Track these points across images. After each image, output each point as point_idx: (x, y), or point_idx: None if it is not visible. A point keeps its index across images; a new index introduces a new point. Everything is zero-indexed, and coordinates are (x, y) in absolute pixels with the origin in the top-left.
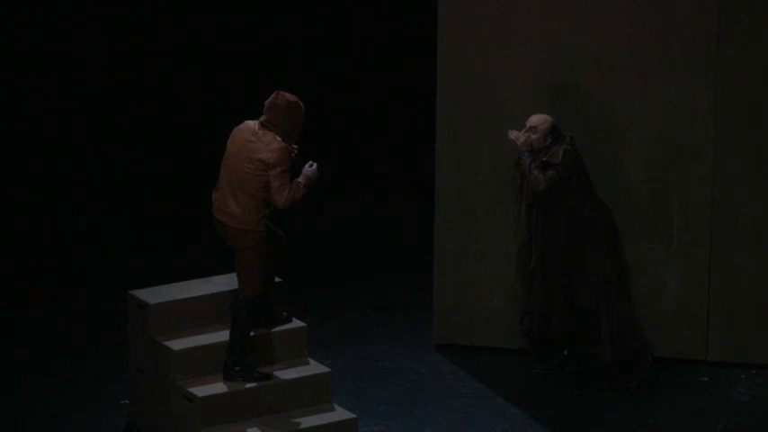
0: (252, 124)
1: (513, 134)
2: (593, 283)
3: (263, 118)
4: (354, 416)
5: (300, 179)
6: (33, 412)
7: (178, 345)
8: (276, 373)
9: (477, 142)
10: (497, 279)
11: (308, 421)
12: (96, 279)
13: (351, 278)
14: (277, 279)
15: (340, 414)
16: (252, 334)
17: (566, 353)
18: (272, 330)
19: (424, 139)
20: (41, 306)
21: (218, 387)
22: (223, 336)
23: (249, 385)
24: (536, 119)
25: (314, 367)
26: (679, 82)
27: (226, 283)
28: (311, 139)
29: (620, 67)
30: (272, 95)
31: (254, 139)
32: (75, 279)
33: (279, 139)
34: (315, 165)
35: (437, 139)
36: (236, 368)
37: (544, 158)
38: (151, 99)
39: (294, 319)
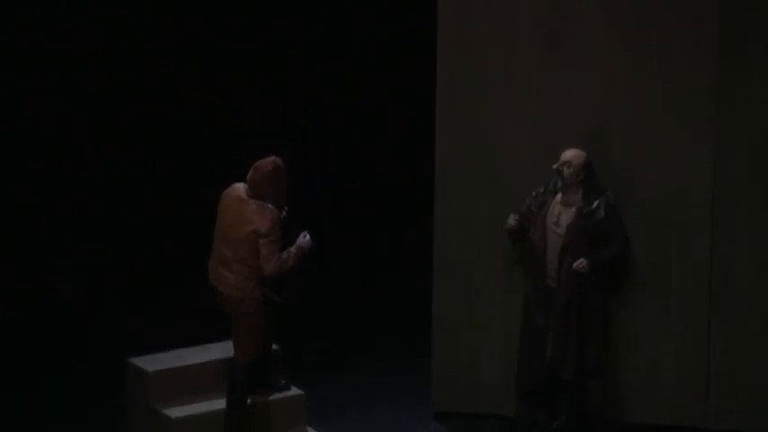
0: (241, 189)
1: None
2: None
3: (249, 191)
4: None
5: (293, 249)
6: (33, 412)
7: (176, 412)
8: None
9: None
10: (497, 345)
11: None
12: (96, 279)
13: (351, 343)
14: (274, 346)
15: None
16: (249, 401)
17: (564, 417)
18: (270, 398)
19: (424, 139)
20: (41, 306)
21: None
22: (221, 404)
23: None
24: (570, 154)
25: None
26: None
27: (223, 350)
28: (311, 139)
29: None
30: (251, 170)
31: (244, 207)
32: (75, 280)
33: (270, 206)
34: (308, 236)
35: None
36: None
37: (584, 211)
38: (151, 99)
39: (293, 387)
